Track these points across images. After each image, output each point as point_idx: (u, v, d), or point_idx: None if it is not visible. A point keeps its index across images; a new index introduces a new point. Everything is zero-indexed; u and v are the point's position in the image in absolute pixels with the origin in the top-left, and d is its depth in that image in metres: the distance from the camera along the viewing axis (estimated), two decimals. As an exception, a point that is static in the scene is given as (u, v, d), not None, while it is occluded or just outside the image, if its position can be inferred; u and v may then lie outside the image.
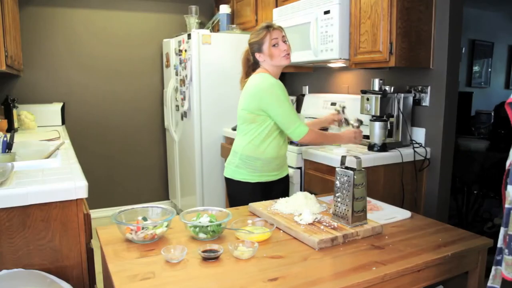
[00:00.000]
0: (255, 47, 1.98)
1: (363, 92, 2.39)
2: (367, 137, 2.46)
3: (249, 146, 1.98)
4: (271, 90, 1.90)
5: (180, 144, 3.84)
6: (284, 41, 1.97)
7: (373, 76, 2.72)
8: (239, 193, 2.03)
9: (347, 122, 2.32)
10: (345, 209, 1.46)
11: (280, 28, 1.98)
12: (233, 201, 2.06)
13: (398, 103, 2.40)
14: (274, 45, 1.94)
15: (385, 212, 1.69)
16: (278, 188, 2.08)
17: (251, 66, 2.07)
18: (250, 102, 1.94)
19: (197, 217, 1.44)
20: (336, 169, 1.50)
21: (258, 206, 1.68)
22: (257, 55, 1.99)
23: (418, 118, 2.51)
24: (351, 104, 2.86)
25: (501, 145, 3.28)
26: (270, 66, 1.99)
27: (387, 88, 2.38)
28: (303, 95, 3.47)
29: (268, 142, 1.97)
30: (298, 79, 3.68)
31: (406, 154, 2.33)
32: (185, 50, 3.45)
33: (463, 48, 5.42)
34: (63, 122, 3.67)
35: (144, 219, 1.43)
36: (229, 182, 2.07)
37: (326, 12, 2.56)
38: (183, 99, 3.57)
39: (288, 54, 1.97)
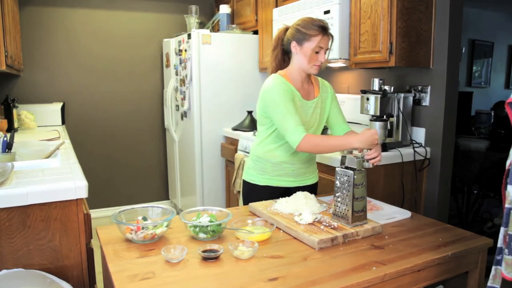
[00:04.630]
0: (298, 36, 1.77)
1: (363, 92, 2.39)
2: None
3: (259, 148, 1.91)
4: (268, 93, 1.77)
5: (180, 144, 3.84)
6: (325, 51, 1.80)
7: (373, 76, 2.72)
8: (250, 196, 1.93)
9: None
10: (345, 209, 1.46)
11: (332, 38, 1.79)
12: (244, 203, 1.98)
13: (398, 103, 2.40)
14: (316, 52, 1.77)
15: (385, 212, 1.69)
16: None
17: (281, 48, 1.88)
18: (258, 104, 1.85)
19: (197, 217, 1.44)
20: (336, 169, 1.51)
21: (258, 206, 1.68)
22: (293, 44, 1.79)
23: (418, 118, 2.51)
24: (351, 104, 2.86)
25: (501, 145, 3.28)
26: (296, 65, 1.82)
27: (387, 88, 2.38)
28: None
29: (277, 144, 1.85)
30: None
31: (406, 154, 2.33)
32: (185, 50, 3.45)
33: (463, 48, 5.42)
34: (63, 122, 3.67)
35: (144, 219, 1.43)
36: (243, 184, 2.01)
37: (326, 12, 2.56)
38: (183, 99, 3.57)
39: (319, 66, 1.80)
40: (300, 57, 1.79)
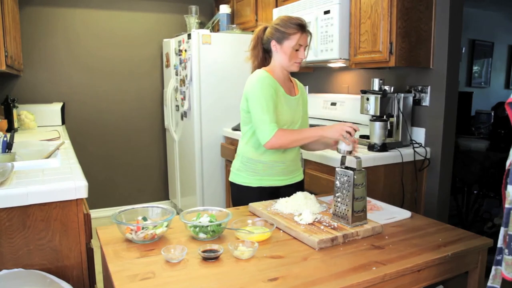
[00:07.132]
0: (277, 35, 1.79)
1: (363, 92, 2.39)
2: (367, 137, 2.46)
3: (248, 148, 1.89)
4: (251, 85, 1.78)
5: (180, 144, 3.84)
6: (305, 49, 1.83)
7: (373, 76, 2.72)
8: (241, 198, 1.92)
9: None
10: (345, 209, 1.46)
11: (310, 35, 1.84)
12: (236, 206, 1.95)
13: (398, 103, 2.40)
14: (296, 49, 1.80)
15: (385, 212, 1.69)
16: (286, 194, 1.76)
17: (261, 47, 1.89)
18: (243, 101, 1.85)
19: (197, 217, 1.44)
20: (336, 169, 1.51)
21: (258, 206, 1.68)
22: (273, 43, 1.82)
23: (418, 118, 2.51)
24: (351, 104, 2.86)
25: (501, 145, 3.29)
26: (277, 63, 1.85)
27: (387, 88, 2.38)
28: (303, 95, 3.47)
29: None
30: (298, 79, 3.67)
31: (406, 154, 2.33)
32: (185, 50, 3.45)
33: (463, 48, 5.42)
34: (63, 122, 3.67)
35: (144, 219, 1.43)
36: (232, 186, 1.99)
37: (326, 12, 2.56)
38: (183, 99, 3.57)
39: (300, 63, 1.85)
40: (280, 55, 1.83)
